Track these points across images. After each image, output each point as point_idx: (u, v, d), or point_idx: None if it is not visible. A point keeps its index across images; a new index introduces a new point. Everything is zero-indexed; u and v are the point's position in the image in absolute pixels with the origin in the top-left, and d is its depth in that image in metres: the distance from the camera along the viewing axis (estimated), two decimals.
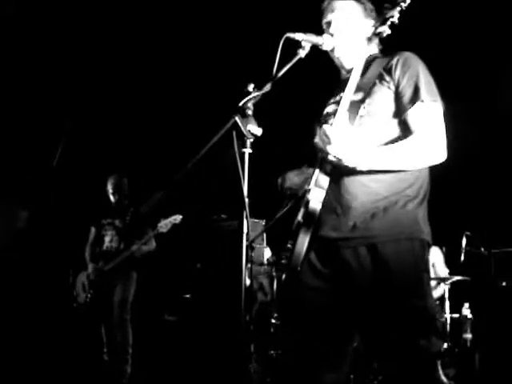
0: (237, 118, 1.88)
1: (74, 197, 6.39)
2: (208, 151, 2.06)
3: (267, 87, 1.98)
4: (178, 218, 5.10)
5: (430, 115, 2.06)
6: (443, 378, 4.51)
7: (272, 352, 4.65)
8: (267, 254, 5.83)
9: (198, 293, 6.28)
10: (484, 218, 5.60)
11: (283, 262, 2.18)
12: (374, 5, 2.31)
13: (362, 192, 2.07)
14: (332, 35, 2.22)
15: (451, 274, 5.32)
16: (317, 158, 2.17)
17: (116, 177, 5.37)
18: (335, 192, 2.10)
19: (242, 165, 1.89)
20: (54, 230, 6.31)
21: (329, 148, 1.99)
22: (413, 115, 2.06)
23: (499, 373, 4.79)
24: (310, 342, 2.08)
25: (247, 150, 1.90)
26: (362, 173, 2.05)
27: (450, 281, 5.08)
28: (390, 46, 2.31)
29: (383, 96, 2.11)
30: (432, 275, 5.28)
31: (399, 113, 2.10)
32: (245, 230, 1.88)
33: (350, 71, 2.18)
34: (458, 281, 5.10)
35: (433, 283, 5.26)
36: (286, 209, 2.38)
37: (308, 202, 2.10)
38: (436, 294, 5.20)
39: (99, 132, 6.56)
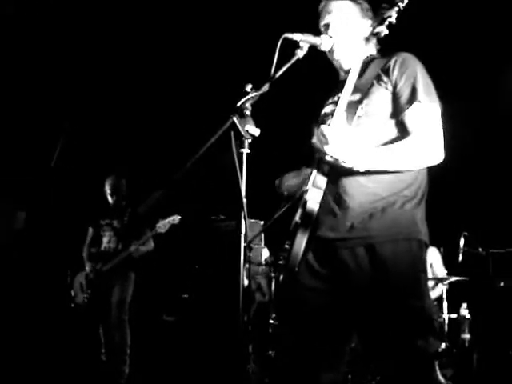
0: (235, 119, 1.89)
1: (72, 197, 6.39)
2: (206, 151, 2.06)
3: (265, 87, 1.98)
4: (176, 218, 5.09)
5: (427, 116, 2.06)
6: (441, 379, 4.51)
7: (270, 352, 4.65)
8: (265, 254, 5.83)
9: (196, 293, 6.28)
10: (482, 219, 5.61)
11: (281, 262, 2.18)
12: (372, 5, 2.31)
13: (359, 192, 2.07)
14: (331, 37, 2.22)
15: (449, 274, 5.31)
16: (314, 159, 2.17)
17: (114, 178, 5.36)
18: (333, 192, 2.10)
19: (240, 165, 1.89)
20: (52, 231, 6.31)
21: (326, 148, 1.99)
22: (410, 116, 2.07)
23: (497, 373, 4.80)
24: (308, 342, 2.08)
25: (245, 151, 1.90)
26: (359, 173, 2.05)
27: (447, 281, 5.08)
28: (387, 46, 2.31)
29: (381, 96, 2.12)
30: (430, 275, 5.28)
31: (397, 113, 2.11)
32: (243, 231, 1.88)
33: (348, 72, 2.17)
34: (455, 281, 5.10)
35: (431, 284, 5.26)
36: (283, 209, 2.39)
37: (305, 202, 2.10)
38: (434, 294, 5.20)
39: (97, 132, 6.56)
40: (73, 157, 5.68)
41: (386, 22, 2.14)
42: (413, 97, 2.06)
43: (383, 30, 2.17)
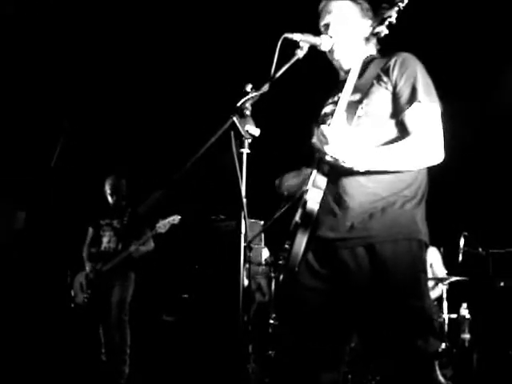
0: (235, 119, 1.89)
1: (72, 197, 6.39)
2: (206, 151, 2.06)
3: (265, 87, 1.98)
4: (176, 218, 5.09)
5: (427, 116, 2.06)
6: (441, 379, 4.51)
7: (270, 352, 4.65)
8: (265, 254, 5.83)
9: (196, 293, 6.28)
10: (482, 219, 5.61)
11: (281, 262, 2.18)
12: (372, 5, 2.31)
13: (359, 192, 2.07)
14: (331, 37, 2.22)
15: (449, 274, 5.31)
16: (314, 159, 2.17)
17: (114, 178, 5.36)
18: (333, 192, 2.10)
19: (240, 165, 1.89)
20: (52, 231, 6.31)
21: (326, 148, 1.99)
22: (410, 116, 2.07)
23: (497, 373, 4.80)
24: (308, 342, 2.08)
25: (245, 151, 1.90)
26: (359, 173, 2.05)
27: (448, 281, 5.08)
28: (387, 46, 2.31)
29: (381, 96, 2.12)
30: (430, 275, 5.28)
31: (397, 113, 2.11)
32: (243, 231, 1.88)
33: (348, 72, 2.17)
34: (456, 281, 5.10)
35: (431, 283, 5.26)
36: (283, 209, 2.39)
37: (305, 202, 2.10)
38: (434, 294, 5.20)
39: (97, 132, 6.56)
40: (73, 157, 5.68)
41: (386, 22, 2.14)
42: (413, 97, 2.06)
43: (383, 30, 2.17)
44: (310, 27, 2.24)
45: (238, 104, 1.90)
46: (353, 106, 2.09)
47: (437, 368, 4.39)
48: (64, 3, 5.41)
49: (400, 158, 2.04)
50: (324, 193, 2.11)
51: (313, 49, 2.17)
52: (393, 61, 2.13)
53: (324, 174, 2.12)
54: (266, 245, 5.91)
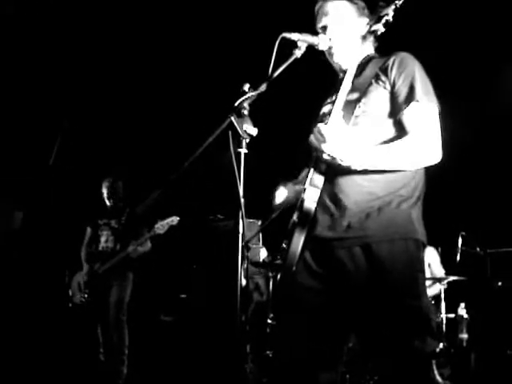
0: (232, 118, 1.88)
1: (70, 197, 6.38)
2: (204, 151, 2.06)
3: (263, 87, 1.97)
4: (174, 219, 5.08)
5: (425, 115, 2.06)
6: (438, 378, 4.52)
7: (268, 352, 4.64)
8: (263, 254, 5.83)
9: (194, 293, 6.28)
10: (480, 218, 5.61)
11: (278, 262, 2.18)
12: (369, 3, 2.31)
13: (356, 192, 2.07)
14: (330, 39, 2.22)
15: (447, 274, 5.32)
16: (312, 158, 2.17)
17: (110, 180, 5.34)
18: (330, 191, 2.10)
19: (237, 165, 1.89)
20: (50, 230, 6.30)
21: (323, 146, 1.99)
22: (408, 115, 2.07)
23: (494, 373, 4.80)
24: (306, 342, 2.08)
25: (243, 150, 1.90)
26: (356, 172, 2.05)
27: (445, 281, 5.08)
28: (385, 46, 2.31)
29: (379, 96, 2.12)
30: (428, 275, 5.29)
31: (395, 113, 2.10)
32: (241, 230, 1.88)
33: (345, 71, 2.18)
34: (453, 281, 5.11)
35: (428, 283, 5.27)
36: (280, 209, 2.39)
37: (303, 201, 2.10)
38: (431, 292, 5.21)
39: (95, 131, 6.55)
40: (71, 156, 5.68)
41: (383, 20, 2.14)
42: (411, 96, 2.05)
43: (380, 28, 2.17)
44: (307, 27, 2.24)
45: (236, 104, 1.90)
46: (350, 105, 2.09)
47: (434, 368, 4.39)
48: (64, 3, 5.41)
49: (398, 157, 2.04)
50: (321, 192, 2.11)
51: (311, 48, 2.17)
52: (391, 60, 2.13)
53: (321, 173, 2.11)
54: (263, 244, 5.91)
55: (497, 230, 5.45)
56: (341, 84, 2.13)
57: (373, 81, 2.14)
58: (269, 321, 4.89)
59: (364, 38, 2.24)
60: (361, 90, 2.13)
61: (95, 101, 6.34)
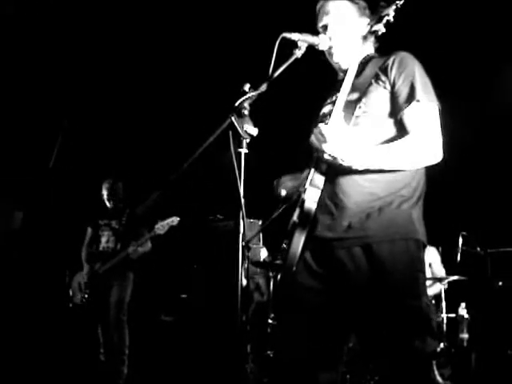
0: (233, 118, 1.88)
1: (70, 197, 6.38)
2: (204, 151, 2.05)
3: (263, 87, 1.97)
4: (175, 220, 5.07)
5: (426, 115, 2.06)
6: (438, 379, 4.52)
7: (268, 352, 4.64)
8: (264, 253, 5.83)
9: (194, 293, 6.28)
10: (480, 218, 5.61)
11: (279, 262, 2.18)
12: (370, 3, 2.31)
13: (356, 192, 2.07)
14: (330, 39, 2.22)
15: (448, 273, 5.32)
16: (312, 158, 2.17)
17: (110, 182, 5.34)
18: (330, 191, 2.10)
19: (238, 165, 1.88)
20: (51, 230, 6.30)
21: (324, 147, 1.99)
22: (409, 115, 2.06)
23: (495, 373, 4.80)
24: (306, 342, 2.07)
25: (243, 150, 1.90)
26: (357, 172, 2.05)
27: (446, 281, 5.08)
28: (386, 45, 2.31)
29: (379, 96, 2.11)
30: (429, 275, 5.29)
31: (395, 113, 2.10)
32: (241, 230, 1.88)
33: (346, 71, 2.17)
34: (454, 281, 5.11)
35: (429, 283, 5.26)
36: (281, 209, 2.38)
37: (303, 201, 2.10)
38: (432, 292, 5.21)
39: (96, 132, 6.55)
40: (71, 157, 5.68)
41: (384, 21, 2.14)
42: (411, 96, 2.05)
43: (381, 29, 2.17)
44: (308, 27, 2.24)
45: (236, 104, 1.89)
46: (351, 106, 2.09)
47: (435, 368, 4.39)
48: (64, 3, 5.41)
49: (398, 157, 2.04)
50: (321, 192, 2.11)
51: (311, 48, 2.17)
52: (391, 60, 2.13)
53: (322, 173, 2.11)
54: (264, 244, 5.91)
55: (497, 230, 5.45)
56: (341, 84, 2.13)
57: (373, 81, 2.14)
58: (269, 321, 4.88)
59: (365, 38, 2.24)
60: (361, 90, 2.13)
61: (95, 102, 6.34)
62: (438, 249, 5.55)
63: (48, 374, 5.11)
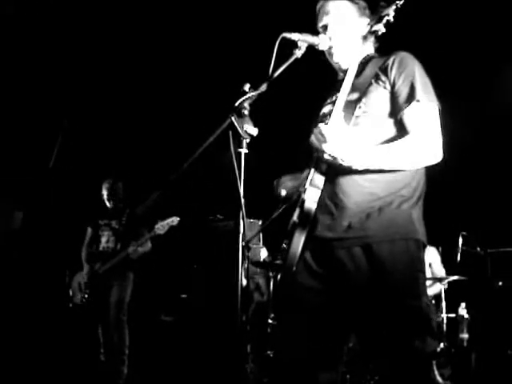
0: (233, 118, 1.88)
1: (70, 197, 6.38)
2: (204, 151, 2.05)
3: (263, 87, 1.97)
4: (175, 220, 5.07)
5: (426, 115, 2.06)
6: (438, 379, 4.52)
7: (268, 352, 4.64)
8: (264, 253, 5.83)
9: (194, 293, 6.28)
10: (480, 218, 5.61)
11: (279, 262, 2.18)
12: (370, 3, 2.31)
13: (356, 192, 2.07)
14: (330, 39, 2.22)
15: (448, 273, 5.32)
16: (312, 158, 2.17)
17: (110, 182, 5.34)
18: (330, 191, 2.10)
19: (238, 165, 1.88)
20: (51, 230, 6.30)
21: (324, 147, 1.99)
22: (409, 115, 2.06)
23: (495, 373, 4.80)
24: (306, 342, 2.07)
25: (243, 150, 1.90)
26: (357, 172, 2.05)
27: (446, 281, 5.08)
28: (386, 45, 2.31)
29: (379, 96, 2.11)
30: (429, 275, 5.29)
31: (395, 112, 2.10)
32: (241, 230, 1.88)
33: (346, 71, 2.17)
34: (454, 281, 5.11)
35: (429, 283, 5.27)
36: (281, 209, 2.38)
37: (303, 201, 2.10)
38: (432, 292, 5.21)
39: (96, 132, 6.55)
40: (71, 157, 5.68)
41: (384, 21, 2.14)
42: (411, 96, 2.05)
43: (381, 29, 2.17)
44: (308, 27, 2.24)
45: (236, 104, 1.89)
46: (351, 106, 2.09)
47: (435, 368, 4.39)
48: (64, 3, 5.41)
49: (398, 157, 2.04)
50: (321, 192, 2.11)
51: (311, 48, 2.17)
52: (391, 60, 2.13)
53: (322, 173, 2.11)
54: (264, 244, 5.91)
55: (497, 230, 5.45)
56: (341, 84, 2.13)
57: (373, 81, 2.14)
58: (269, 321, 4.89)
59: (365, 38, 2.24)
60: (361, 90, 2.13)
61: (95, 102, 6.34)
62: (438, 249, 5.55)
63: (48, 373, 5.11)
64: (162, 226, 5.04)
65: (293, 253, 2.10)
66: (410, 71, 2.09)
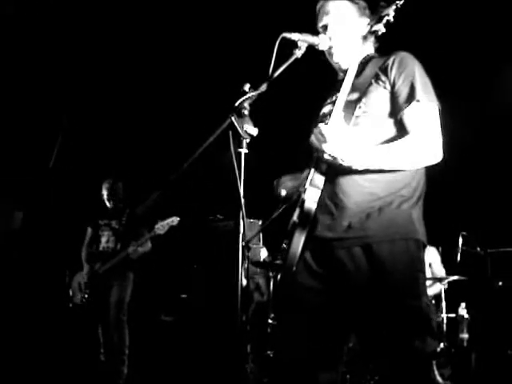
0: (233, 118, 1.88)
1: (70, 197, 6.38)
2: (204, 151, 2.05)
3: (263, 87, 1.97)
4: (175, 220, 5.07)
5: (426, 115, 2.06)
6: (438, 379, 4.52)
7: (268, 352, 4.64)
8: (264, 253, 5.83)
9: (194, 293, 6.28)
10: (480, 218, 5.61)
11: (279, 262, 2.18)
12: (370, 3, 2.31)
13: (356, 192, 2.07)
14: (330, 39, 2.22)
15: (448, 273, 5.32)
16: (312, 158, 2.17)
17: (110, 182, 5.34)
18: (330, 192, 2.10)
19: (238, 165, 1.88)
20: (51, 230, 6.30)
21: (324, 147, 1.99)
22: (409, 115, 2.06)
23: (495, 373, 4.80)
24: (306, 342, 2.07)
25: (243, 150, 1.90)
26: (357, 172, 2.05)
27: (446, 281, 5.08)
28: (386, 45, 2.31)
29: (379, 96, 2.11)
30: (429, 275, 5.29)
31: (395, 112, 2.10)
32: (241, 230, 1.88)
33: (346, 71, 2.17)
34: (454, 281, 5.11)
35: (429, 283, 5.27)
36: (281, 209, 2.38)
37: (303, 201, 2.10)
38: (432, 292, 5.21)
39: (95, 131, 6.55)
40: (71, 157, 5.68)
41: (384, 21, 2.14)
42: (411, 96, 2.05)
43: (381, 29, 2.17)
44: (308, 27, 2.24)
45: (236, 104, 1.90)
46: (351, 106, 2.09)
47: (435, 368, 4.39)
48: (64, 3, 5.41)
49: (398, 157, 2.04)
50: (321, 192, 2.11)
51: (311, 48, 2.17)
52: (391, 60, 2.13)
53: (322, 174, 2.11)
54: (264, 244, 5.91)
55: (497, 230, 5.45)
56: (341, 84, 2.13)
57: (373, 81, 2.14)
58: (269, 321, 4.89)
59: (365, 38, 2.24)
60: (361, 90, 2.13)
61: (95, 102, 6.34)
62: (438, 249, 5.55)
63: (48, 373, 5.11)
64: (161, 226, 5.04)
65: (293, 253, 2.10)
66: (410, 71, 2.09)
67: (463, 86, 5.33)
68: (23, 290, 5.82)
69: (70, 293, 5.28)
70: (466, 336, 4.93)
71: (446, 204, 5.47)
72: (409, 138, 2.05)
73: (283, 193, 2.42)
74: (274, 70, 2.01)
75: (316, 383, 2.06)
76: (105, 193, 5.33)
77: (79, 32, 5.69)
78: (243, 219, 1.88)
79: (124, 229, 5.17)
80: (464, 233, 5.18)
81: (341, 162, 2.02)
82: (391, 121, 2.11)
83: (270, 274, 5.17)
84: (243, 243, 1.89)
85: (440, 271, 5.45)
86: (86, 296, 5.09)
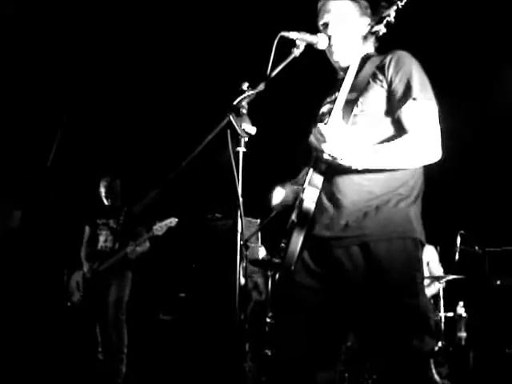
0: (231, 117, 1.88)
1: (68, 196, 6.38)
2: (202, 150, 2.05)
3: (261, 86, 1.97)
4: (173, 221, 5.06)
5: (423, 113, 2.06)
6: (436, 377, 4.52)
7: (267, 351, 4.65)
8: (262, 252, 5.83)
9: (193, 292, 6.28)
10: (478, 217, 5.62)
11: (277, 261, 2.17)
12: (371, 3, 2.30)
13: (354, 191, 2.07)
14: (330, 37, 2.22)
15: (446, 272, 5.33)
16: (311, 157, 2.17)
17: (108, 179, 5.33)
18: (328, 191, 2.10)
19: (236, 164, 1.88)
20: (49, 229, 6.30)
21: (323, 146, 1.99)
22: (406, 113, 2.06)
23: (493, 371, 4.81)
24: (304, 341, 2.08)
25: (241, 149, 1.90)
26: (355, 171, 2.05)
27: (444, 279, 5.09)
28: (386, 45, 2.31)
29: (377, 94, 2.11)
30: (427, 274, 5.30)
31: (393, 111, 2.10)
32: (239, 229, 1.88)
33: (345, 70, 2.17)
34: (452, 279, 5.12)
35: (427, 281, 5.27)
36: (280, 209, 2.38)
37: (302, 201, 2.10)
38: (430, 292, 5.21)
39: (94, 130, 6.55)
40: (69, 156, 5.67)
41: (385, 21, 2.14)
42: (408, 94, 2.05)
43: (381, 29, 2.17)
44: (307, 25, 2.24)
45: (235, 102, 1.90)
46: (349, 105, 2.09)
47: (432, 366, 4.40)
48: (64, 3, 5.40)
49: (397, 156, 2.04)
50: (320, 191, 2.11)
51: (309, 47, 2.17)
52: (388, 58, 2.13)
53: (321, 173, 2.11)
54: (262, 243, 5.91)
55: (495, 229, 5.46)
56: (340, 83, 2.13)
57: (370, 79, 2.13)
58: (268, 320, 4.89)
59: (365, 38, 2.23)
60: (359, 89, 2.13)
61: (93, 100, 6.33)
62: (436, 247, 5.56)
63: (46, 373, 5.11)
64: (160, 227, 5.03)
65: (291, 252, 2.10)
66: (407, 70, 2.09)
67: (463, 86, 5.33)
68: (21, 289, 5.81)
69: (68, 292, 5.26)
70: (463, 335, 4.94)
71: (445, 203, 5.48)
72: (407, 136, 2.05)
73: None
74: (273, 68, 2.01)
75: (314, 382, 2.06)
76: (102, 190, 5.32)
77: (79, 31, 5.68)
78: (241, 218, 1.88)
79: (122, 228, 5.17)
80: (462, 231, 5.18)
81: (340, 161, 2.02)
82: (389, 119, 2.12)
83: (269, 273, 5.17)
84: (241, 242, 1.89)
85: (438, 270, 5.45)
86: (84, 295, 5.08)
